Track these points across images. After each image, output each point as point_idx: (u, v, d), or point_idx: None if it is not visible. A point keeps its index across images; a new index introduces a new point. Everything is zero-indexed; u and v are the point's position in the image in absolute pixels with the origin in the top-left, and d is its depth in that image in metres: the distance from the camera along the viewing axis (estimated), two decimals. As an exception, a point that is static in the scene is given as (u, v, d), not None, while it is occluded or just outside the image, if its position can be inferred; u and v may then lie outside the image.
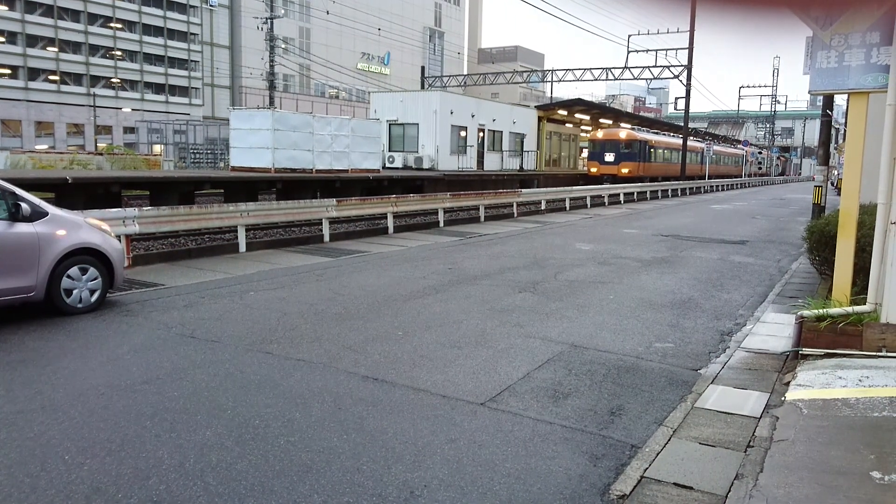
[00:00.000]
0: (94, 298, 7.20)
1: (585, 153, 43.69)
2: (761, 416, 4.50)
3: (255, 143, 21.93)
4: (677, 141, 44.57)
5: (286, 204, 13.78)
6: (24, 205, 6.64)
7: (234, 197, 18.67)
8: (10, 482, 3.43)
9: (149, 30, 64.22)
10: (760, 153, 74.84)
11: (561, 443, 4.09)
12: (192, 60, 67.95)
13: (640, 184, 33.45)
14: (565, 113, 41.76)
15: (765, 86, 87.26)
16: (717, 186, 46.63)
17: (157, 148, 42.05)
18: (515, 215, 21.04)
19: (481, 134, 34.20)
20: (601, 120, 44.47)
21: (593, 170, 39.04)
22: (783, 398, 4.74)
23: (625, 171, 37.60)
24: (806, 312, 5.88)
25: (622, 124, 43.62)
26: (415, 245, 13.56)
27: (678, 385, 5.23)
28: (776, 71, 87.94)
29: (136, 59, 63.62)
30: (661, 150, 43.03)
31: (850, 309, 5.73)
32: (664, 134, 45.94)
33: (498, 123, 35.41)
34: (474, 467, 3.73)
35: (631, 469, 3.74)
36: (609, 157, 38.43)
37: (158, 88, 65.87)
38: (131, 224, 10.24)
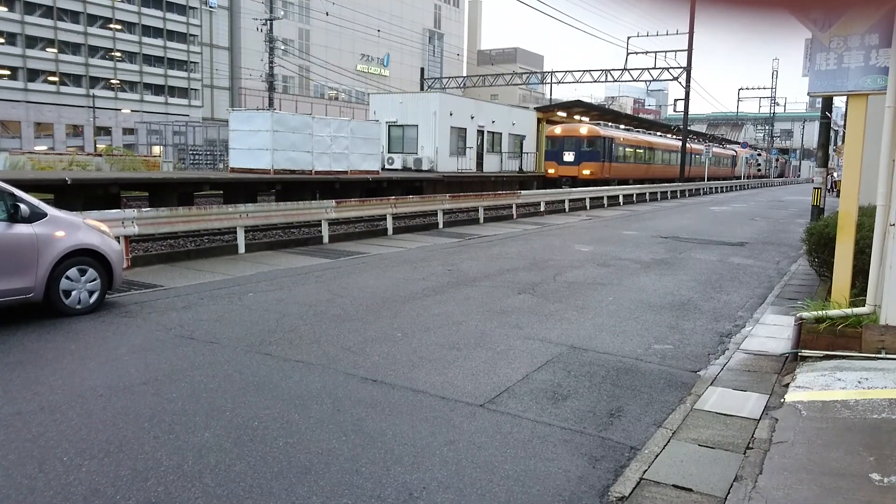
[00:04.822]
0: (92, 299, 7.19)
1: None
2: (760, 418, 4.50)
3: (254, 145, 21.91)
4: (652, 138, 41.70)
5: (285, 205, 13.78)
6: (22, 206, 6.63)
7: (234, 198, 18.65)
8: (9, 484, 3.42)
9: (148, 31, 64.21)
10: (759, 155, 74.74)
11: (560, 444, 4.09)
12: (191, 62, 67.94)
13: (639, 185, 33.27)
14: (564, 115, 41.73)
15: (764, 88, 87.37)
16: (716, 188, 46.49)
17: (157, 149, 42.08)
18: (514, 217, 21.04)
19: (480, 135, 34.19)
20: (601, 121, 44.21)
21: (551, 171, 34.09)
22: (782, 400, 4.74)
23: (586, 172, 32.77)
24: (805, 314, 5.88)
25: (582, 118, 38.32)
26: (414, 246, 13.55)
27: (677, 387, 5.23)
28: (775, 73, 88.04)
29: (135, 61, 63.63)
30: (630, 149, 37.83)
31: (849, 311, 5.73)
32: (637, 131, 41.52)
33: (497, 125, 35.40)
34: (473, 469, 3.72)
35: (630, 471, 3.73)
36: (568, 156, 33.70)
37: (158, 90, 65.85)
38: (130, 225, 10.23)
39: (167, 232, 11.90)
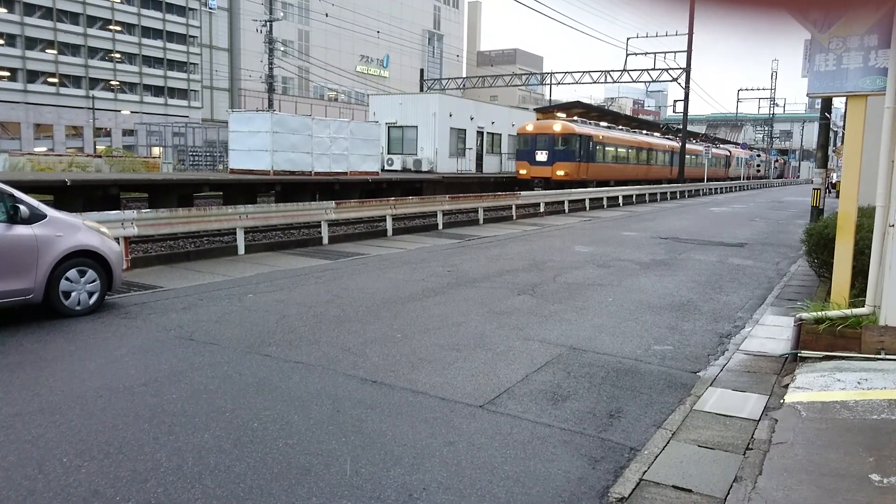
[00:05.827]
0: (92, 301, 7.19)
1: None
2: (760, 419, 4.50)
3: (253, 146, 21.95)
4: (638, 137, 39.86)
5: (285, 206, 13.78)
6: (22, 207, 6.64)
7: (233, 199, 18.68)
8: (8, 485, 3.42)
9: (148, 32, 64.24)
10: (759, 156, 74.61)
11: (560, 445, 4.09)
12: (191, 63, 67.98)
13: (638, 186, 33.08)
14: (564, 115, 41.69)
15: (763, 89, 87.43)
16: (716, 189, 46.41)
17: (156, 150, 42.16)
18: (514, 218, 21.04)
19: (480, 136, 34.24)
20: (601, 123, 43.86)
21: (522, 171, 31.15)
22: (782, 401, 4.74)
23: (560, 173, 29.87)
24: (804, 315, 5.88)
25: (559, 114, 34.99)
26: (413, 247, 13.56)
27: (677, 387, 5.23)
28: (775, 74, 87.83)
29: (135, 62, 63.66)
30: (612, 148, 34.81)
31: (848, 311, 5.73)
32: (622, 129, 38.68)
33: (497, 126, 35.46)
34: (473, 470, 3.72)
35: (630, 471, 3.73)
36: (541, 155, 30.48)
37: (157, 91, 65.88)
38: (130, 226, 10.23)
39: (167, 233, 11.88)
